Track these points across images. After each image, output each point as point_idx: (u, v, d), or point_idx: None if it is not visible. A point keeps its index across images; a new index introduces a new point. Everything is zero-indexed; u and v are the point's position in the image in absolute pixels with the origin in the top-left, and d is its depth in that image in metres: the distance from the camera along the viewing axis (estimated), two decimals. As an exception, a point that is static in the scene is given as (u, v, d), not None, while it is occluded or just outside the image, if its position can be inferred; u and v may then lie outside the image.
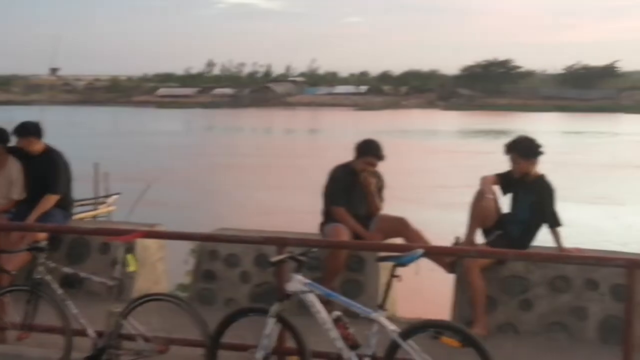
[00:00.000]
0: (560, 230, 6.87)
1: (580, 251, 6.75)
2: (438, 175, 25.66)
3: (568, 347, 6.59)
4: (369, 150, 7.35)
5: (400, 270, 4.97)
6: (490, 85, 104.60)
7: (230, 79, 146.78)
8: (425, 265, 6.37)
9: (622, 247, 11.44)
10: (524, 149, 6.92)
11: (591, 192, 21.67)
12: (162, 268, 8.24)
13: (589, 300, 6.72)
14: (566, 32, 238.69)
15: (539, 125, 52.05)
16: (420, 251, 5.09)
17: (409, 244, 6.78)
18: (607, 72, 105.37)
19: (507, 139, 7.09)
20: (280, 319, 5.13)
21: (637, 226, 16.38)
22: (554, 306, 6.80)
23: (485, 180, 6.93)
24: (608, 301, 6.65)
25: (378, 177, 7.53)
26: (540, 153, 6.92)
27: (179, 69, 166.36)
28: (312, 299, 5.08)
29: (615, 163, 29.83)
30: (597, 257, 6.08)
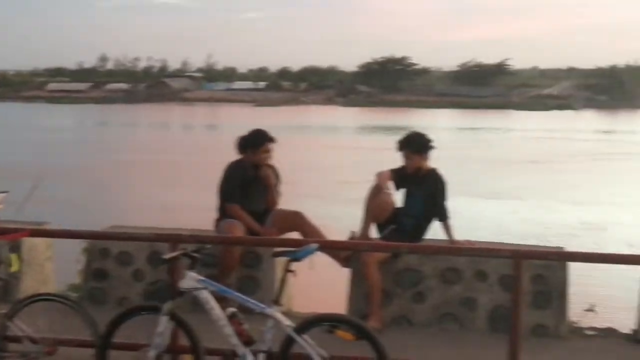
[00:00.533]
0: (451, 223, 7.03)
1: (470, 243, 6.93)
2: (341, 171, 25.86)
3: (459, 337, 6.76)
4: (262, 138, 7.34)
5: (296, 265, 4.97)
6: (387, 82, 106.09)
7: (124, 74, 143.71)
8: (322, 260, 6.42)
9: (520, 240, 11.83)
10: (416, 145, 7.05)
11: (491, 187, 22.26)
12: (50, 267, 8.00)
13: (479, 291, 6.90)
14: (460, 30, 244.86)
15: (436, 122, 53.22)
16: (315, 246, 5.12)
17: (304, 238, 6.81)
18: (499, 70, 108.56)
19: (399, 138, 7.22)
20: (173, 316, 5.05)
21: (535, 220, 16.95)
22: (446, 297, 6.96)
23: (381, 176, 7.03)
24: (497, 291, 6.84)
25: (274, 171, 7.52)
26: (431, 148, 7.07)
27: (71, 64, 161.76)
28: (206, 296, 5.02)
29: (513, 158, 30.73)
30: (486, 249, 6.27)
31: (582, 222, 16.76)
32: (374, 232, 7.21)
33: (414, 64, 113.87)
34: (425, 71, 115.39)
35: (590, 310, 7.22)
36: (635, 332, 6.84)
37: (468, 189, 21.12)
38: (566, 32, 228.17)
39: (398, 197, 7.24)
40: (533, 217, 17.32)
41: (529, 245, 6.81)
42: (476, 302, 6.90)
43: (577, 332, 6.98)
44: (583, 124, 54.98)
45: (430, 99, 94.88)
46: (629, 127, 52.00)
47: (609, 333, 7.02)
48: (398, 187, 7.17)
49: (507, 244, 6.70)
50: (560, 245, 7.18)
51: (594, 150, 34.70)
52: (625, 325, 7.01)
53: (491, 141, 39.38)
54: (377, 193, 7.03)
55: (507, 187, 22.08)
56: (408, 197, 7.16)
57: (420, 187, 7.05)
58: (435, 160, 7.15)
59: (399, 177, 7.10)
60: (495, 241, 7.35)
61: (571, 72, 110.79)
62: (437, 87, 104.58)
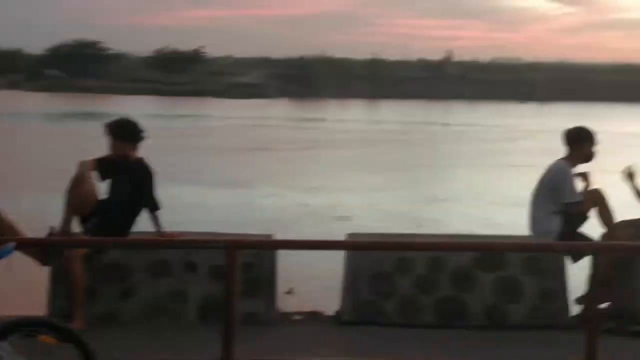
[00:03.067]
0: (160, 213, 6.81)
1: (180, 234, 6.76)
2: (46, 160, 24.21)
3: (170, 331, 6.58)
4: None
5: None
6: (79, 66, 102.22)
7: None
8: (19, 259, 5.89)
9: (255, 229, 11.92)
10: (125, 133, 6.74)
11: (219, 175, 22.10)
12: None
13: (189, 282, 6.77)
14: (155, 16, 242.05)
15: (136, 109, 52.06)
16: (13, 244, 4.65)
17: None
18: (195, 57, 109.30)
19: (106, 122, 6.85)
20: None
21: (268, 208, 17.07)
22: (155, 292, 6.74)
23: (83, 165, 6.61)
24: (207, 282, 6.75)
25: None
26: (141, 137, 6.79)
27: None
28: None
29: (234, 146, 30.81)
30: (200, 240, 6.15)
31: (310, 207, 17.26)
32: (76, 226, 6.77)
33: (108, 49, 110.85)
34: (119, 56, 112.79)
35: (289, 292, 7.38)
36: (339, 313, 7.13)
37: (195, 177, 20.90)
38: (258, 21, 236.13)
39: (103, 188, 6.87)
40: (267, 205, 17.49)
41: (240, 234, 6.81)
42: (187, 294, 6.76)
43: (286, 317, 7.12)
44: (279, 112, 57.09)
45: (125, 85, 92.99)
46: (322, 115, 54.96)
47: (315, 317, 7.25)
48: (103, 177, 6.79)
49: (220, 233, 6.65)
50: (270, 233, 7.24)
51: (305, 137, 36.06)
52: (331, 308, 7.28)
53: (205, 129, 39.34)
54: (78, 184, 6.59)
55: (235, 175, 22.10)
56: (114, 188, 6.82)
57: (126, 177, 6.74)
58: (152, 148, 6.89)
59: (104, 166, 6.73)
60: (211, 231, 7.26)
61: (264, 62, 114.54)
62: (133, 73, 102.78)
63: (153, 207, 6.76)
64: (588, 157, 7.08)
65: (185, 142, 31.98)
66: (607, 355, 5.56)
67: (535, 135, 38.56)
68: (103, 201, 6.79)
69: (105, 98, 69.42)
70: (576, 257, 7.06)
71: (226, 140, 33.46)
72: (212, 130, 38.79)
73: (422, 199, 19.15)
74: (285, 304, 7.30)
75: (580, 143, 7.05)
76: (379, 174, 23.60)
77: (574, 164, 7.06)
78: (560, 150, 7.24)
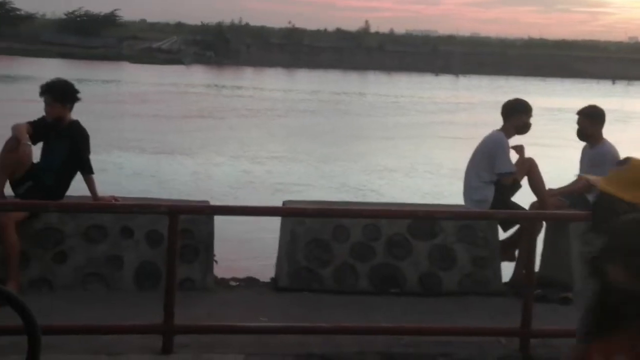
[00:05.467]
0: (94, 177, 6.67)
1: (114, 199, 6.66)
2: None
3: (105, 298, 6.49)
4: None
5: None
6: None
7: None
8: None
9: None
10: (60, 93, 6.55)
11: (162, 143, 21.49)
12: None
13: (125, 248, 6.67)
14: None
15: (48, 72, 50.46)
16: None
17: None
18: (109, 21, 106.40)
19: (42, 83, 6.66)
20: None
21: (205, 174, 16.74)
22: (90, 257, 6.62)
23: (18, 128, 6.40)
24: (143, 248, 6.67)
25: None
26: (76, 99, 6.62)
27: None
28: None
29: (173, 113, 29.93)
30: (140, 205, 6.04)
31: (258, 176, 17.01)
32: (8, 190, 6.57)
33: (17, 9, 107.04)
34: (29, 17, 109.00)
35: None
36: (274, 280, 7.16)
37: (137, 144, 20.31)
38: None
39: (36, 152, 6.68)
40: (213, 173, 17.16)
41: (179, 200, 6.75)
42: (122, 259, 6.66)
43: (223, 283, 7.10)
44: (199, 79, 56.24)
45: (35, 47, 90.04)
46: (242, 83, 54.23)
47: (251, 283, 7.25)
48: (36, 140, 6.59)
49: (158, 199, 6.56)
50: (207, 199, 7.19)
51: (237, 105, 35.28)
52: (266, 275, 7.30)
53: (131, 95, 38.06)
54: (14, 146, 6.38)
55: (179, 143, 21.52)
56: (47, 151, 6.65)
57: (61, 140, 6.57)
58: (83, 114, 6.71)
59: (38, 129, 6.54)
60: (148, 197, 7.16)
61: (179, 27, 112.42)
62: (44, 34, 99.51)
63: (88, 170, 6.62)
64: (523, 128, 7.24)
65: (116, 108, 31.01)
66: (540, 320, 5.77)
67: (468, 108, 38.85)
68: (37, 165, 6.61)
69: (17, 60, 67.04)
70: (506, 226, 7.25)
71: (160, 107, 32.57)
72: (139, 97, 37.65)
73: (369, 170, 18.97)
74: (227, 271, 7.26)
75: (516, 114, 7.20)
76: (324, 144, 23.31)
77: (510, 135, 7.21)
78: (491, 123, 7.38)
